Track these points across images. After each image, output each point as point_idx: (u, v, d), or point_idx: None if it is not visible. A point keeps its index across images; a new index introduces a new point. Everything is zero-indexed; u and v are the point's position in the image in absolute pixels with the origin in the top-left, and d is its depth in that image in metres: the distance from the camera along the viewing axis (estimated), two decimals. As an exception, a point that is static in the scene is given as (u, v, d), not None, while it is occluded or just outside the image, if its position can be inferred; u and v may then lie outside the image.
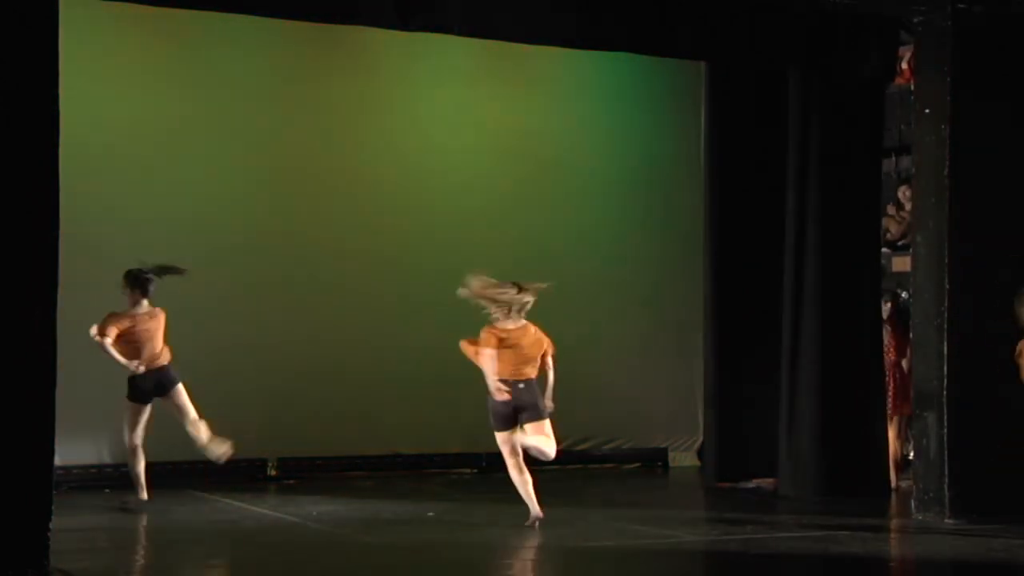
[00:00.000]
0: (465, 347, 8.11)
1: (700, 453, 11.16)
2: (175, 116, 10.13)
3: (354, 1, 8.23)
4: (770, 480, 10.04)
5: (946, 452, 8.58)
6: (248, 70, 10.36)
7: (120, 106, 9.92)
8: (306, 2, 8.18)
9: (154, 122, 10.05)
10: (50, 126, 6.86)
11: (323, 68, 10.59)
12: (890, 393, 10.03)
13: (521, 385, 7.98)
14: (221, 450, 8.74)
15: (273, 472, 10.36)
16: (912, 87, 9.32)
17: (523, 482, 8.12)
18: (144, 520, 8.52)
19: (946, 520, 8.48)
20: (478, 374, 8.15)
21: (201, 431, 8.76)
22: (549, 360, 8.11)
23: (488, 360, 7.88)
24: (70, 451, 8.98)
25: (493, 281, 7.97)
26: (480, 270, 8.03)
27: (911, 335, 9.26)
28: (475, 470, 9.39)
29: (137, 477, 8.77)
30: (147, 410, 8.78)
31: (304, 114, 10.54)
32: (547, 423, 8.08)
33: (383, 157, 10.73)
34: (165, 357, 8.80)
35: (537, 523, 8.08)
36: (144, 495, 8.78)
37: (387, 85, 10.80)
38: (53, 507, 6.82)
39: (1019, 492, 8.12)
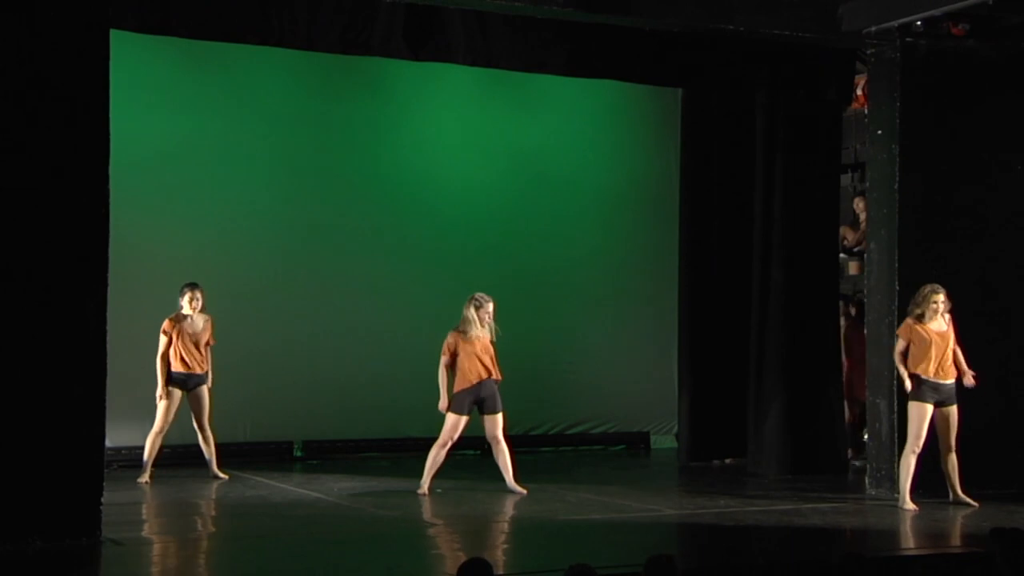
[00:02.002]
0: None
1: (678, 436, 11.18)
2: (209, 132, 10.14)
3: (370, 35, 8.32)
4: (739, 459, 10.10)
5: (896, 434, 8.64)
6: (275, 92, 10.35)
7: (159, 124, 9.92)
8: (329, 36, 8.27)
9: (190, 138, 10.06)
10: (101, 144, 6.93)
11: (342, 92, 10.58)
12: (851, 382, 10.10)
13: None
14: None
15: (299, 453, 10.40)
16: (866, 111, 9.39)
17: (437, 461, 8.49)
18: (184, 495, 8.57)
19: (895, 495, 8.48)
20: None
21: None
22: None
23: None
24: (119, 434, 9.05)
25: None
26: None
27: (866, 331, 9.34)
28: (478, 451, 9.43)
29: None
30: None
31: (325, 132, 10.53)
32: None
33: (396, 170, 10.71)
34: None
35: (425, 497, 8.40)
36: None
37: (399, 107, 10.79)
38: (104, 484, 6.94)
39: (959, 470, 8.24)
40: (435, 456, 8.48)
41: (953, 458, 8.20)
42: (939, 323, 8.22)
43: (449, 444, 8.46)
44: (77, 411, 6.80)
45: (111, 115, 7.02)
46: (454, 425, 8.42)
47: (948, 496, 8.24)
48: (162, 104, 9.97)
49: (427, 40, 8.46)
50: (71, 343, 6.79)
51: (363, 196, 10.66)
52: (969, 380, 8.15)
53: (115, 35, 7.22)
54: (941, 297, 8.20)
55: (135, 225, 9.27)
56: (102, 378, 6.92)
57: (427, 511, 8.08)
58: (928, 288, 8.23)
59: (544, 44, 8.77)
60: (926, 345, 8.12)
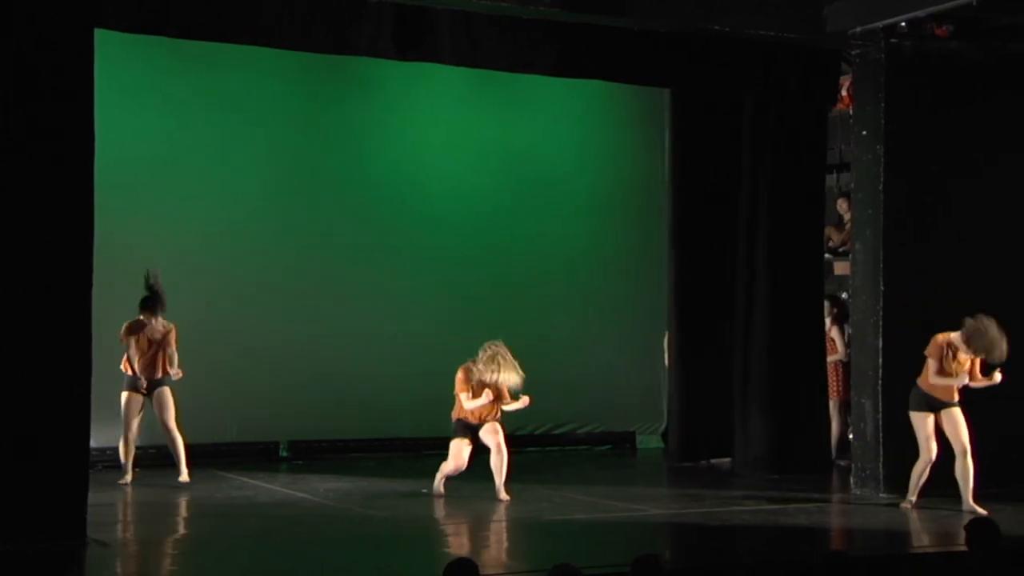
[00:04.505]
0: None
1: (664, 436, 11.19)
2: (200, 133, 10.10)
3: (359, 35, 8.29)
4: (726, 459, 10.11)
5: (881, 434, 8.66)
6: (265, 93, 10.31)
7: (150, 125, 9.87)
8: (318, 36, 8.23)
9: (181, 138, 10.02)
10: (87, 146, 6.91)
11: (332, 92, 10.55)
12: (838, 382, 10.13)
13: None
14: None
15: (285, 453, 10.37)
16: (851, 112, 9.40)
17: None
18: (169, 496, 8.52)
19: (880, 494, 8.56)
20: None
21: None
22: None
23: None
24: (104, 435, 8.98)
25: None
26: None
27: (850, 331, 9.35)
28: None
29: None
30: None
31: (314, 132, 10.50)
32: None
33: (384, 170, 10.69)
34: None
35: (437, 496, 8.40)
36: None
37: (388, 107, 10.75)
38: (90, 484, 6.93)
39: (942, 471, 8.20)
40: (441, 476, 8.47)
41: (967, 463, 7.94)
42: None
43: (454, 472, 8.41)
44: (61, 414, 6.76)
45: (99, 116, 6.99)
46: (456, 452, 8.38)
47: (959, 502, 8.00)
48: (150, 105, 9.92)
49: (415, 41, 8.44)
50: (54, 347, 6.74)
51: (352, 197, 10.63)
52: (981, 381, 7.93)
53: (103, 36, 7.19)
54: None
55: (122, 225, 9.23)
56: (87, 380, 6.88)
57: (413, 511, 8.05)
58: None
59: (532, 44, 8.74)
60: (951, 370, 7.91)
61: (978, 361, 7.98)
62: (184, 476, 8.82)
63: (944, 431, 8.02)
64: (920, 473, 8.09)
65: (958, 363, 7.92)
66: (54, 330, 6.76)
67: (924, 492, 8.14)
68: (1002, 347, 7.81)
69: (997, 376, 7.90)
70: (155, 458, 9.26)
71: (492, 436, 8.35)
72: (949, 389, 7.98)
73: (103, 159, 7.00)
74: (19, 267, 6.70)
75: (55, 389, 6.75)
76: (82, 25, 6.91)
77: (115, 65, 8.17)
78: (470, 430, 8.38)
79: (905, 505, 8.12)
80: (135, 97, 9.72)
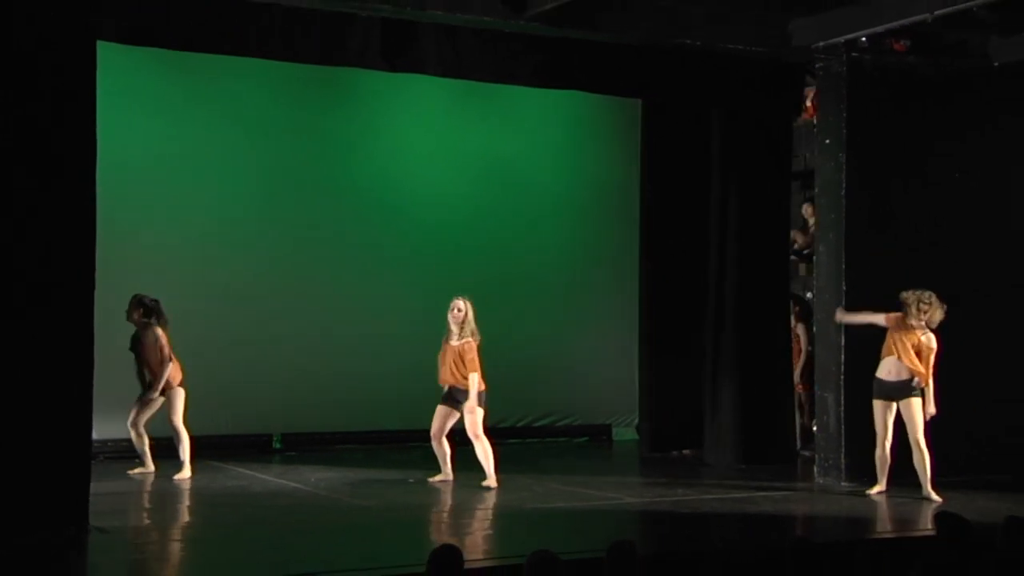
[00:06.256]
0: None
1: (638, 428, 11.21)
2: (196, 139, 10.05)
3: (347, 47, 8.28)
4: (696, 450, 10.11)
5: (842, 426, 8.70)
6: (259, 102, 10.27)
7: (147, 130, 9.82)
8: (309, 48, 8.22)
9: (178, 144, 9.96)
10: (89, 152, 6.85)
11: (323, 101, 10.51)
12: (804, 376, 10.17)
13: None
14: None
15: (277, 445, 10.33)
16: (815, 121, 9.45)
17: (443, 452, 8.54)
18: (168, 485, 8.48)
19: (842, 483, 8.60)
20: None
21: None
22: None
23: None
24: (106, 427, 8.92)
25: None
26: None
27: (814, 328, 9.38)
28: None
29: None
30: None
31: (305, 139, 10.45)
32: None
33: (371, 176, 10.66)
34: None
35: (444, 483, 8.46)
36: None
37: (375, 115, 10.73)
38: (92, 474, 6.87)
39: (900, 460, 8.23)
40: (435, 449, 8.49)
41: (919, 454, 7.96)
42: (925, 331, 8.00)
43: (435, 433, 8.44)
44: (65, 405, 6.72)
45: (98, 124, 6.93)
46: (435, 415, 8.43)
47: (919, 489, 8.04)
48: (147, 110, 9.86)
49: (402, 52, 8.44)
50: (59, 340, 6.69)
51: (341, 201, 10.61)
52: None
53: (102, 45, 7.13)
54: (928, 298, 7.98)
55: (121, 226, 9.17)
56: (89, 373, 6.84)
57: (400, 500, 8.04)
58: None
59: (513, 56, 8.77)
60: (899, 343, 7.97)
61: (929, 352, 7.99)
62: (182, 474, 8.63)
63: (903, 420, 8.05)
64: (882, 460, 8.12)
65: (908, 341, 7.99)
66: (57, 327, 6.72)
67: (892, 480, 8.15)
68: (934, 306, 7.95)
69: (931, 409, 7.98)
70: (153, 449, 9.17)
71: (468, 428, 8.35)
72: (910, 374, 7.99)
73: (101, 162, 6.93)
74: (28, 268, 6.63)
75: (59, 384, 6.69)
76: (82, 26, 6.81)
77: (110, 71, 8.09)
78: (448, 399, 8.41)
79: (877, 494, 8.10)
80: (131, 102, 9.66)
